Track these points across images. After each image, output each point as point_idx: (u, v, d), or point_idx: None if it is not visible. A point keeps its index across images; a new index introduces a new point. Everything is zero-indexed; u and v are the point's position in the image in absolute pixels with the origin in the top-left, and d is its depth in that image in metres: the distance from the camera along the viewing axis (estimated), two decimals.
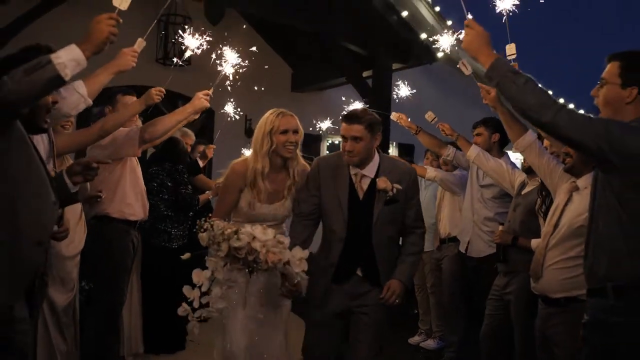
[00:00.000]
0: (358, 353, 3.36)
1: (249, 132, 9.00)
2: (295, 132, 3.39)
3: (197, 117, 4.09)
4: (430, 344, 5.79)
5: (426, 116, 5.03)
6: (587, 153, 2.45)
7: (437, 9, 9.71)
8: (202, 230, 3.01)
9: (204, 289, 3.04)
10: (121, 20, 2.48)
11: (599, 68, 2.54)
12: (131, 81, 6.34)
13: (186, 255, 3.12)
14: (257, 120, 3.49)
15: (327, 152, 10.78)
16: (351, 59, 9.12)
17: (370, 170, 3.37)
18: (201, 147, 6.21)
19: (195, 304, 3.04)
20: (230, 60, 4.03)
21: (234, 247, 2.90)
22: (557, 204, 3.30)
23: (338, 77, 9.74)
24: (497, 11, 3.26)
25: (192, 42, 3.86)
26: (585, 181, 3.10)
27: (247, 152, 3.99)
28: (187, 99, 8.71)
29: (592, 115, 2.44)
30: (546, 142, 3.58)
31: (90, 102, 3.26)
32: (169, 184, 5.08)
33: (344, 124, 3.32)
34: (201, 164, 6.09)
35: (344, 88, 9.76)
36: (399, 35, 8.75)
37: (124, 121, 3.80)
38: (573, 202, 3.16)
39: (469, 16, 2.75)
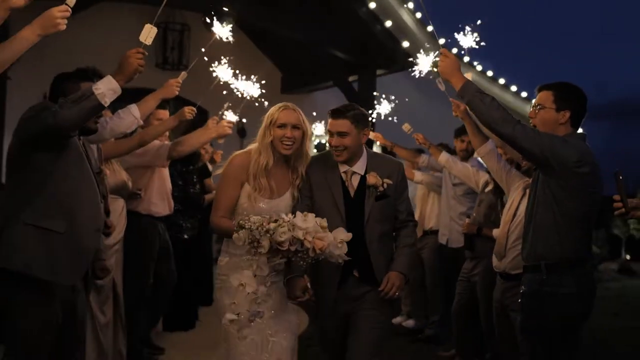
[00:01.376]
0: (355, 351, 3.23)
1: (242, 132, 9.50)
2: (295, 127, 3.25)
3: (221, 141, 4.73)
4: (410, 323, 6.49)
5: (403, 127, 5.59)
6: (533, 159, 3.16)
7: (418, 15, 10.39)
8: (239, 229, 2.80)
9: (250, 289, 2.93)
10: (147, 53, 2.91)
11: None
12: (134, 84, 6.87)
13: None
14: (250, 121, 3.69)
15: (315, 151, 11.39)
16: (338, 65, 9.77)
17: (360, 167, 3.33)
18: (210, 149, 6.75)
19: (246, 306, 2.94)
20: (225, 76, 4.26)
21: (277, 241, 2.73)
22: (513, 198, 4.03)
23: (326, 81, 10.37)
24: (461, 48, 3.73)
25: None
26: None
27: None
28: (182, 100, 9.37)
29: (539, 130, 3.12)
30: (500, 150, 4.28)
31: (141, 122, 4.01)
32: (180, 182, 5.65)
33: (330, 120, 3.29)
34: (210, 167, 6.58)
35: (331, 91, 10.39)
36: (383, 43, 9.39)
37: (160, 135, 4.48)
38: (527, 196, 3.83)
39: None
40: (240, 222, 2.81)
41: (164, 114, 4.82)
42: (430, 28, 10.91)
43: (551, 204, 3.04)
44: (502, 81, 12.48)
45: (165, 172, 4.98)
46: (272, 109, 3.28)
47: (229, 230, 2.98)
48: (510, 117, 3.02)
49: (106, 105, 2.81)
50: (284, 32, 9.25)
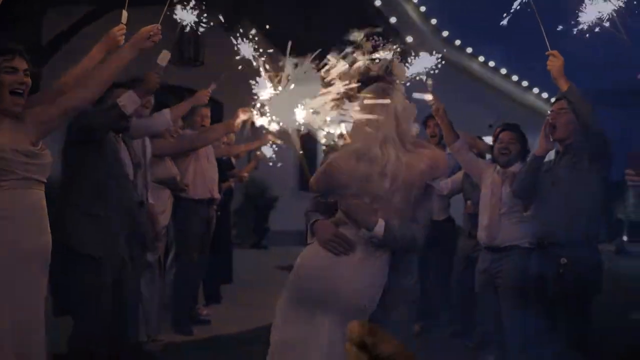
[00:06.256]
0: None
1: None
2: None
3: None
4: None
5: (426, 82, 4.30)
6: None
7: (423, 9, 10.93)
8: None
9: None
10: (162, 73, 3.63)
11: None
12: None
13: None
14: None
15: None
16: None
17: None
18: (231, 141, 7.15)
19: None
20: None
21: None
22: (492, 184, 4.61)
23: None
24: None
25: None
26: (515, 168, 4.45)
27: None
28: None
29: None
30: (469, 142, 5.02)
31: (172, 124, 4.72)
32: None
33: None
34: (234, 161, 6.90)
35: None
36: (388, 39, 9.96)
37: (209, 143, 5.47)
38: (505, 183, 4.49)
39: None
40: None
41: (207, 111, 5.60)
42: (434, 21, 11.52)
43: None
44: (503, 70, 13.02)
45: (204, 158, 5.52)
46: None
47: None
48: (597, 117, 3.72)
49: (128, 113, 3.58)
50: (295, 30, 9.79)
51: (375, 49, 3.08)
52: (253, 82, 4.22)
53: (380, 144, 2.79)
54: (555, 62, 3.61)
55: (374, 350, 0.95)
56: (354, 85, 2.95)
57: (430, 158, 2.87)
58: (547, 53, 3.62)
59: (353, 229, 2.81)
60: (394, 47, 3.10)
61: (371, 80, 3.01)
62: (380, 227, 2.73)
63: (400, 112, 2.86)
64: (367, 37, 3.34)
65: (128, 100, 3.54)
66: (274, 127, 4.87)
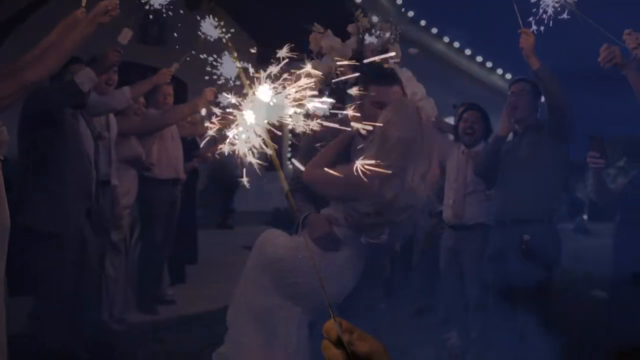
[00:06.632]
0: None
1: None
2: None
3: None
4: None
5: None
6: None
7: None
8: None
9: None
10: (122, 52, 3.61)
11: None
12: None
13: None
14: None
15: None
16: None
17: None
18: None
19: None
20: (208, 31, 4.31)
21: None
22: (457, 163, 4.67)
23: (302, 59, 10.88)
24: None
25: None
26: (480, 147, 4.51)
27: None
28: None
29: None
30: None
31: (132, 102, 4.65)
32: None
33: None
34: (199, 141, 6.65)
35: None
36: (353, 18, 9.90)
37: (177, 121, 5.48)
38: (469, 163, 4.53)
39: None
40: None
41: (169, 89, 5.54)
42: (399, 1, 11.44)
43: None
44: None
45: (168, 137, 5.48)
46: None
47: None
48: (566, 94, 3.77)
49: (85, 90, 3.54)
50: (264, 11, 9.71)
51: (371, 27, 3.06)
52: (217, 61, 4.32)
53: (419, 177, 2.72)
54: (527, 40, 3.63)
55: (350, 348, 0.95)
56: (345, 62, 2.97)
57: (434, 182, 2.90)
58: (519, 31, 3.61)
59: (344, 228, 2.79)
60: (392, 26, 3.06)
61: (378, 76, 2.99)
62: (384, 236, 2.76)
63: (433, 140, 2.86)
64: (365, 13, 3.37)
65: (85, 78, 3.51)
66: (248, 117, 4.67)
